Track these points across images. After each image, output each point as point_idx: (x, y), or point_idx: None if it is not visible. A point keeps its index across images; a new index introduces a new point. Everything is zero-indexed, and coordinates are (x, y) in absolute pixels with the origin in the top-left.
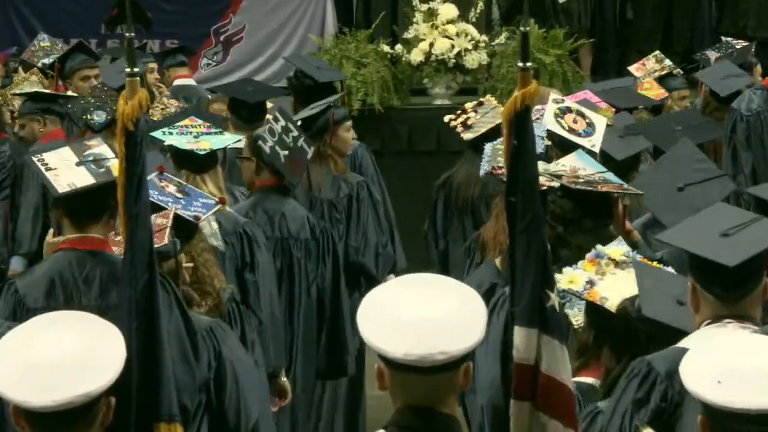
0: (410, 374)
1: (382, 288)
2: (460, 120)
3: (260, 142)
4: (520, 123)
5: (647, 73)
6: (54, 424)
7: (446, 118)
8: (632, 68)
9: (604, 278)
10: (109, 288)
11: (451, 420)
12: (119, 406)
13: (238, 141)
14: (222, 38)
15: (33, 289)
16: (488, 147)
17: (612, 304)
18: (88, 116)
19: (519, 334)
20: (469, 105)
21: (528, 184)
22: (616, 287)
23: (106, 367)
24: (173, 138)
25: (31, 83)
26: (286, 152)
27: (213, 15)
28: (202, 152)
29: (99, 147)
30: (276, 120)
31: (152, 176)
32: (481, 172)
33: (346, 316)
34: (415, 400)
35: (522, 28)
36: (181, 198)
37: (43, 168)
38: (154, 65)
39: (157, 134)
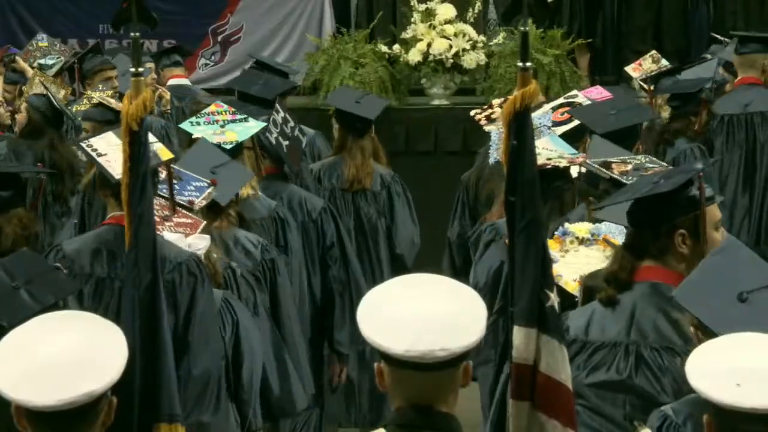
0: (410, 372)
1: (382, 287)
2: (484, 114)
3: (267, 134)
4: (519, 123)
5: (644, 73)
6: (56, 424)
7: (472, 112)
8: (629, 68)
9: (566, 255)
10: None
11: (450, 419)
12: (121, 405)
13: (264, 127)
14: (220, 38)
15: (81, 256)
16: (495, 134)
17: (566, 281)
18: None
19: (518, 334)
20: (496, 101)
21: (528, 184)
22: (573, 264)
23: (108, 367)
24: (200, 129)
25: (36, 85)
26: (287, 142)
27: (211, 15)
28: (228, 146)
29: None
30: (277, 112)
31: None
32: (491, 160)
33: (362, 288)
34: (415, 398)
35: (521, 28)
36: (175, 183)
37: (95, 154)
38: (150, 65)
39: (184, 125)
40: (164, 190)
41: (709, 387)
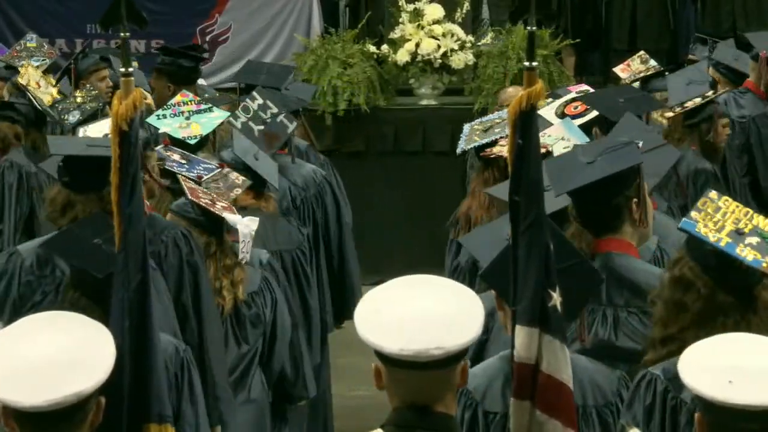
0: (407, 371)
1: (378, 288)
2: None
3: (232, 119)
4: (525, 122)
5: (633, 74)
6: (44, 425)
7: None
8: (617, 69)
9: None
10: None
11: (448, 418)
12: (109, 406)
13: (227, 117)
14: (208, 38)
15: None
16: (467, 126)
17: None
18: (65, 116)
19: (520, 333)
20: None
21: (532, 184)
22: None
23: (97, 367)
24: (167, 122)
25: (28, 76)
26: (261, 127)
27: (199, 15)
28: (193, 140)
29: None
30: (253, 99)
31: (159, 148)
32: (458, 150)
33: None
34: (412, 398)
35: (528, 28)
36: (184, 163)
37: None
38: (135, 64)
39: (151, 119)
40: (174, 167)
41: (702, 384)
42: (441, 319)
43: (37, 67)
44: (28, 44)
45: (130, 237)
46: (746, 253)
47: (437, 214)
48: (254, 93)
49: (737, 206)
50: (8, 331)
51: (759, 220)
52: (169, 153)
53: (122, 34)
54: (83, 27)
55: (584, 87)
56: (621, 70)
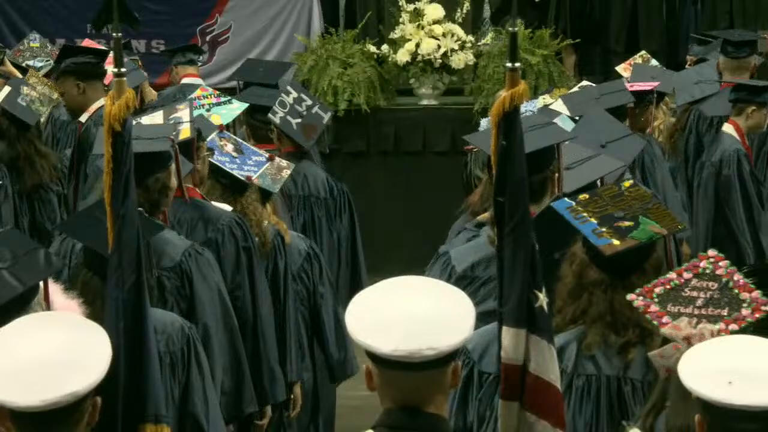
0: (399, 371)
1: (371, 289)
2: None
3: (270, 115)
4: (508, 123)
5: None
6: (40, 425)
7: None
8: (619, 68)
9: None
10: (196, 228)
11: (439, 420)
12: (105, 406)
13: (245, 108)
14: (208, 38)
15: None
16: (484, 122)
17: None
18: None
19: (507, 334)
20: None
21: (516, 185)
22: None
23: (92, 367)
24: None
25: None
26: (299, 120)
27: (199, 14)
28: None
29: (182, 111)
30: (287, 93)
31: (213, 135)
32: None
33: (362, 263)
34: (403, 399)
35: (510, 29)
36: (236, 158)
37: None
38: (139, 63)
39: None
40: (226, 164)
41: (702, 385)
42: (433, 319)
43: (40, 68)
44: (32, 44)
45: (124, 237)
46: (600, 233)
47: (437, 214)
48: (288, 87)
49: (643, 195)
50: (3, 331)
51: (653, 209)
52: (223, 142)
53: (115, 34)
54: (83, 26)
55: None
56: (623, 69)
